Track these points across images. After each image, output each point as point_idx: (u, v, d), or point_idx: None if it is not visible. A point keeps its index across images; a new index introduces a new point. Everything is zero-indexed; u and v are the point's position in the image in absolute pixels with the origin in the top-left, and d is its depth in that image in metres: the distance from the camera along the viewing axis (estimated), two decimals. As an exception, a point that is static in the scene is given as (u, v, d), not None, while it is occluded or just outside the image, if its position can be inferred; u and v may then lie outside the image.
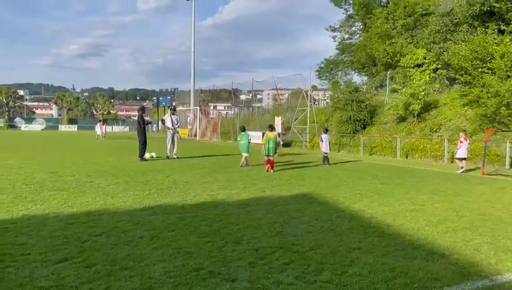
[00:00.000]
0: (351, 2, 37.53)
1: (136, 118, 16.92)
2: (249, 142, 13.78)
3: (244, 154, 13.59)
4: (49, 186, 8.63)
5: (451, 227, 5.80)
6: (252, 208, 6.86)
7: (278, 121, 27.72)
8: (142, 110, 17.06)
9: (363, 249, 4.69)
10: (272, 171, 12.24)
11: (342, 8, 38.70)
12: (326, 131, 16.25)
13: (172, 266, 4.04)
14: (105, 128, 38.60)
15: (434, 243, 5.00)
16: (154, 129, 60.22)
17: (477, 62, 17.95)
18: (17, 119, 77.60)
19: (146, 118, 17.03)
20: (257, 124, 34.33)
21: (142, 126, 15.73)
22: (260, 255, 4.42)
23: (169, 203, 7.18)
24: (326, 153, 15.34)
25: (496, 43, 18.17)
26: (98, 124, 38.38)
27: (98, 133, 36.52)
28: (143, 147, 15.25)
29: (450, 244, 4.96)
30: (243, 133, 14.13)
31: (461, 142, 13.82)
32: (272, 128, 13.22)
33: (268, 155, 12.49)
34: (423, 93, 20.50)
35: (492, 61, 17.51)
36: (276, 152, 13.46)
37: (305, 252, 4.57)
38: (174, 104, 47.96)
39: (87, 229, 5.31)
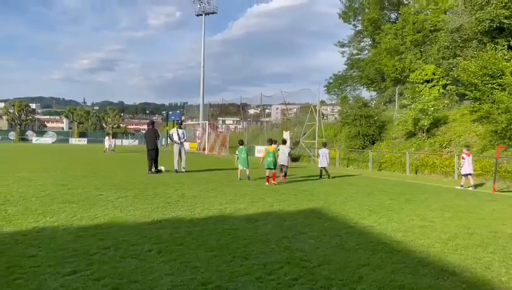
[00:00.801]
0: (359, 18, 37.78)
1: (146, 132, 17.14)
2: (248, 156, 14.17)
3: (242, 168, 13.94)
4: (58, 198, 8.70)
5: (461, 244, 5.73)
6: (260, 223, 6.84)
7: (286, 136, 27.76)
8: (153, 124, 17.29)
9: (372, 266, 4.65)
10: (274, 183, 12.54)
11: (350, 24, 38.97)
12: (325, 145, 17.08)
13: (179, 280, 4.04)
14: (114, 141, 39.31)
15: (444, 261, 4.94)
16: (163, 143, 60.50)
17: (487, 78, 17.90)
18: (29, 132, 78.60)
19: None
20: (265, 139, 34.39)
21: (157, 139, 16.28)
22: (268, 271, 4.40)
23: (178, 216, 7.19)
24: (323, 167, 15.96)
25: (505, 59, 18.15)
26: (107, 137, 38.97)
27: (106, 147, 36.92)
28: (155, 162, 15.79)
29: (461, 262, 4.89)
30: (241, 147, 14.41)
31: (463, 158, 13.74)
32: (271, 142, 13.52)
33: (269, 168, 12.77)
34: (432, 108, 20.43)
35: (503, 77, 17.45)
36: (286, 164, 13.98)
37: (313, 267, 4.54)
38: (182, 118, 48.33)
39: (96, 242, 5.33)
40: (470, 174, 13.54)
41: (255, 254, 4.99)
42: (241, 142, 15.05)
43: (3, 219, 6.56)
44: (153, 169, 15.61)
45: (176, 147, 16.62)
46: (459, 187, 13.49)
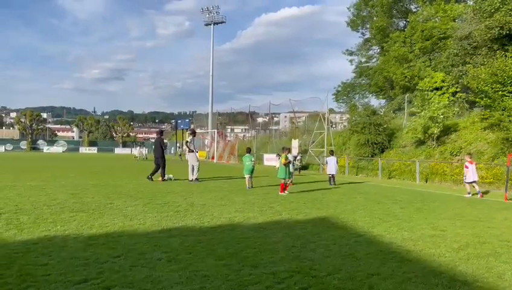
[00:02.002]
0: (368, 26, 37.83)
1: (155, 140, 17.34)
2: (252, 163, 14.23)
3: (246, 176, 14.06)
4: (69, 207, 8.78)
5: (473, 253, 5.66)
6: (269, 232, 6.83)
7: (295, 144, 27.74)
8: (161, 133, 17.45)
9: (382, 275, 4.62)
10: (283, 193, 12.26)
11: (358, 32, 39.05)
12: (332, 153, 17.54)
13: (189, 289, 4.05)
14: (145, 150, 43.55)
15: (455, 270, 4.89)
16: (171, 152, 60.72)
17: (498, 85, 17.76)
18: (40, 142, 79.55)
19: (165, 141, 17.52)
20: (274, 147, 34.40)
21: (163, 149, 16.37)
22: (277, 280, 4.39)
23: (187, 225, 7.21)
24: (332, 174, 16.37)
25: (516, 66, 17.98)
26: (138, 147, 43.25)
27: (137, 155, 40.89)
28: (163, 169, 15.89)
29: (473, 271, 4.84)
30: (246, 154, 14.64)
31: (466, 167, 13.68)
32: (286, 150, 13.52)
33: (280, 177, 12.62)
34: (442, 116, 20.30)
35: (513, 84, 17.31)
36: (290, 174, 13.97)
37: (323, 277, 4.52)
38: (192, 126, 48.52)
39: (106, 251, 5.37)
40: (474, 181, 13.51)
41: (264, 263, 4.99)
42: (248, 150, 15.13)
43: (16, 227, 6.63)
44: (154, 176, 15.75)
45: (192, 156, 16.36)
46: (467, 195, 13.44)
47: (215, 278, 4.41)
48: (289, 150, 13.52)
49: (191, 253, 5.37)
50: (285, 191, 12.40)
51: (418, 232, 7.09)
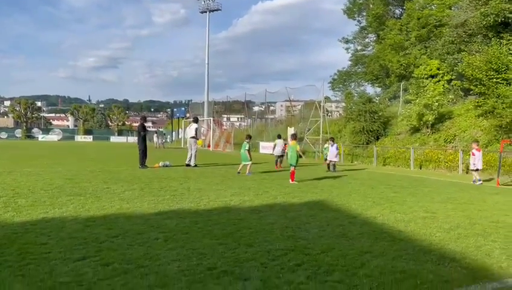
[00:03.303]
0: (364, 14, 37.71)
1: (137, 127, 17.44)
2: (246, 151, 14.17)
3: (243, 163, 14.16)
4: (66, 191, 8.85)
5: (463, 233, 5.80)
6: (265, 214, 6.95)
7: (290, 132, 27.81)
8: (144, 119, 17.57)
9: (374, 253, 4.74)
10: (291, 182, 11.62)
11: (355, 20, 38.92)
12: (333, 140, 17.58)
13: (186, 265, 4.15)
14: (161, 138, 44.54)
15: (445, 248, 5.03)
16: (168, 140, 60.59)
17: (492, 73, 17.87)
18: (35, 130, 79.05)
19: (147, 128, 17.56)
20: (270, 135, 34.48)
21: (142, 134, 16.24)
22: (272, 257, 4.51)
23: (183, 208, 7.31)
24: (333, 161, 16.61)
25: (510, 53, 18.09)
26: (154, 135, 43.11)
27: (157, 143, 41.07)
28: (143, 155, 15.72)
29: (462, 250, 4.98)
30: (245, 142, 14.62)
31: (473, 154, 13.52)
32: (294, 137, 12.79)
33: (290, 165, 12.09)
34: (437, 104, 20.43)
35: (507, 71, 17.43)
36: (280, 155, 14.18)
37: (317, 254, 4.64)
38: (187, 115, 48.51)
39: (104, 231, 5.46)
40: (478, 169, 13.31)
41: (260, 242, 5.10)
42: (247, 137, 15.01)
43: (14, 210, 6.71)
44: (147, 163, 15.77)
45: (195, 143, 16.72)
46: (478, 183, 12.91)
47: (212, 255, 4.52)
48: (296, 136, 13.23)
49: (188, 233, 5.47)
50: (291, 182, 11.65)
51: (410, 214, 7.23)
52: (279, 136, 19.32)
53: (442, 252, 4.84)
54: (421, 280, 3.87)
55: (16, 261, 4.18)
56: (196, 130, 16.94)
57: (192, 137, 16.75)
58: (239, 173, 13.95)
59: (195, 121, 17.83)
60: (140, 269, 4.02)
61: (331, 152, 16.70)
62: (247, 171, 13.93)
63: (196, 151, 16.73)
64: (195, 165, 16.29)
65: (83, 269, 3.99)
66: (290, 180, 11.77)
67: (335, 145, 16.91)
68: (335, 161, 16.64)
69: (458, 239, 5.48)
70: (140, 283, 3.67)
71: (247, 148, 14.28)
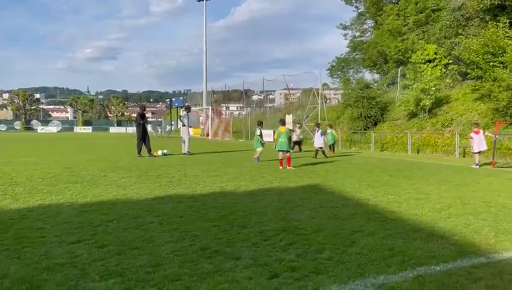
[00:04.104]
0: (362, -1, 37.39)
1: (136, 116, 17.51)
2: (258, 137, 13.88)
3: (256, 149, 13.80)
4: (63, 179, 8.93)
5: (454, 213, 5.89)
6: (259, 197, 7.03)
7: (289, 119, 27.83)
8: (143, 108, 17.62)
9: (364, 232, 4.83)
10: (289, 168, 11.64)
11: (352, 5, 38.57)
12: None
13: (179, 246, 4.24)
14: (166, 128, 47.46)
15: (435, 227, 5.11)
16: (167, 129, 60.53)
17: (489, 56, 17.84)
18: (34, 122, 78.93)
19: (146, 117, 17.60)
20: (269, 123, 34.48)
21: (141, 123, 16.22)
22: (264, 237, 4.59)
23: (179, 193, 7.39)
24: (319, 148, 16.00)
25: (507, 36, 18.04)
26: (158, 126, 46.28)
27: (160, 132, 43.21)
28: (141, 144, 15.81)
29: (451, 228, 5.06)
30: (257, 128, 14.47)
31: (471, 138, 13.46)
32: (283, 122, 12.87)
33: (281, 150, 11.99)
34: (434, 88, 20.41)
35: (504, 55, 17.39)
36: (291, 147, 13.60)
37: (308, 234, 4.73)
38: (186, 104, 48.41)
39: (99, 216, 5.54)
40: (479, 151, 13.08)
41: (253, 224, 5.18)
42: (259, 123, 14.87)
43: (11, 197, 6.79)
44: (144, 151, 15.81)
45: (186, 131, 16.94)
46: (473, 166, 12.81)
47: (205, 237, 4.60)
48: (284, 122, 13.22)
49: (182, 217, 5.56)
50: (289, 167, 11.74)
51: (404, 196, 7.31)
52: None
53: (432, 231, 4.92)
54: (409, 256, 3.96)
55: (12, 244, 4.27)
56: (186, 118, 17.13)
57: (184, 125, 17.04)
58: (259, 160, 13.63)
59: (187, 109, 18.08)
60: (134, 250, 4.11)
61: (317, 138, 16.33)
62: (255, 156, 13.70)
63: (189, 140, 16.97)
64: (189, 153, 16.52)
65: (78, 251, 4.08)
66: (287, 166, 11.80)
67: (319, 131, 16.43)
68: (320, 147, 15.93)
69: (448, 218, 5.57)
70: (133, 263, 3.75)
71: (258, 133, 14.03)
